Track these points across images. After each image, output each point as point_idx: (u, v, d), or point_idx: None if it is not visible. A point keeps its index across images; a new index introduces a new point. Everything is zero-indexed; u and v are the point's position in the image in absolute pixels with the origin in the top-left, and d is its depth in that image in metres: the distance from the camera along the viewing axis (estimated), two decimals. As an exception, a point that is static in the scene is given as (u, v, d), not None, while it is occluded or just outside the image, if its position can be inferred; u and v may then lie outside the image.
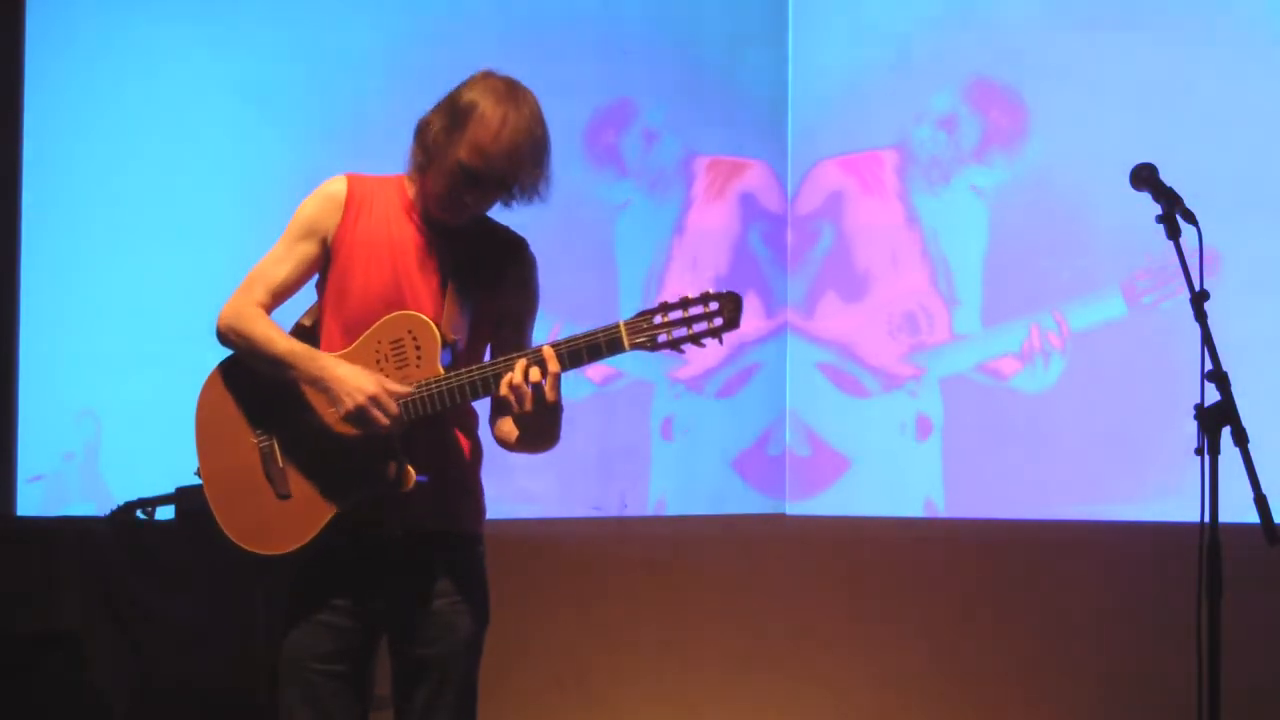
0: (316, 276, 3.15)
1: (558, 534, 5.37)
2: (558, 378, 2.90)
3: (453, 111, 2.99)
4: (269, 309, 3.08)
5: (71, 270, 5.48)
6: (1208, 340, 3.17)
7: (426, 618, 3.08)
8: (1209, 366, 3.17)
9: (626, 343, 2.86)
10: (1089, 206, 5.13)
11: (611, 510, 5.37)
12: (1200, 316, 3.20)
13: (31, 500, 5.46)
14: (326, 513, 2.99)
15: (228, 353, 3.13)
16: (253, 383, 3.07)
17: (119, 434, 5.38)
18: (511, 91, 3.00)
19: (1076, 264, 5.17)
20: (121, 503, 4.90)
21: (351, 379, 2.95)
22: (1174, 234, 3.30)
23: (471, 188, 2.99)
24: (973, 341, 5.26)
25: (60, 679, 4.77)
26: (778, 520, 5.36)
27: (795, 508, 5.37)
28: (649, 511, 5.43)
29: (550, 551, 5.35)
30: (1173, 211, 3.30)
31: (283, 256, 3.09)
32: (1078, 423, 5.13)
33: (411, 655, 3.10)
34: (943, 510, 5.24)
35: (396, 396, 2.94)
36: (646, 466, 5.45)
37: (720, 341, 2.87)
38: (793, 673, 5.25)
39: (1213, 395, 3.15)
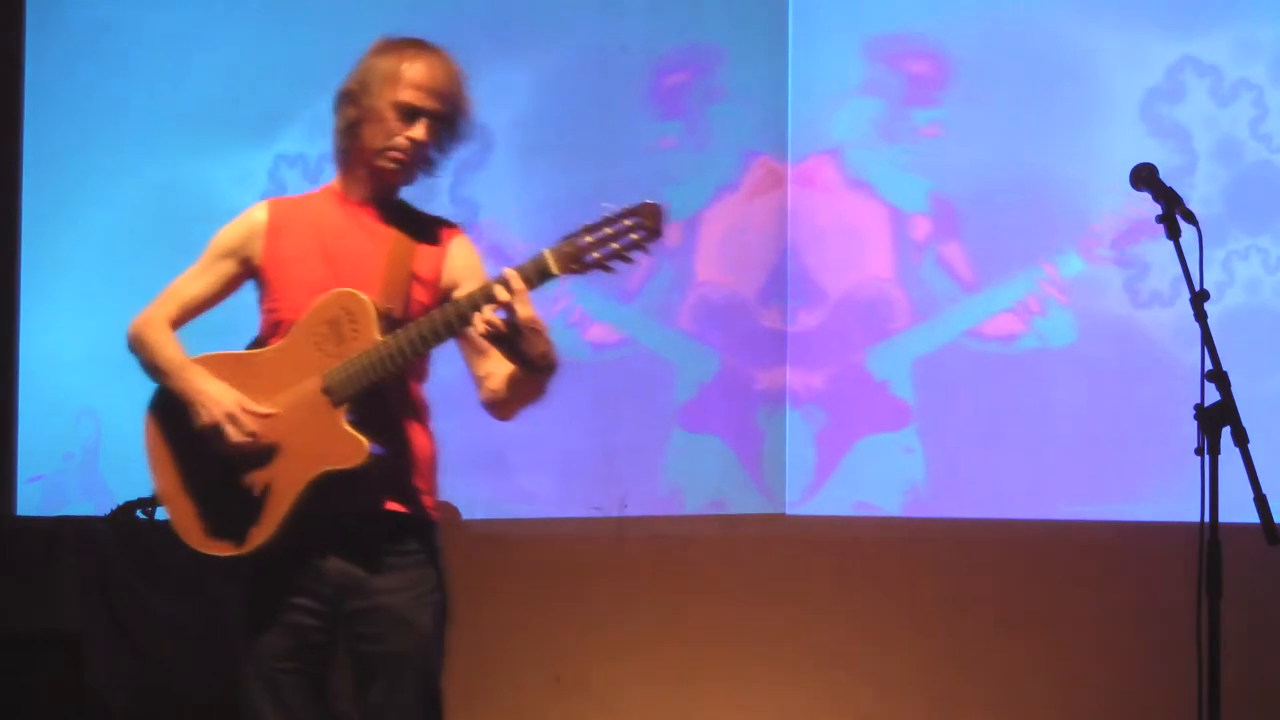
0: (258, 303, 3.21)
1: (558, 534, 5.37)
2: (524, 294, 2.90)
3: (372, 70, 3.11)
4: (177, 323, 3.18)
5: (71, 270, 5.48)
6: (1208, 340, 3.17)
7: (381, 613, 3.07)
8: (1209, 366, 3.17)
9: (555, 268, 2.88)
10: (1035, 173, 5.13)
11: (611, 510, 5.37)
12: (1200, 316, 3.20)
13: (31, 500, 5.46)
14: (286, 501, 3.00)
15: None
16: None
17: (119, 434, 5.38)
18: (419, 39, 3.15)
19: (1041, 219, 5.16)
20: (121, 503, 4.90)
21: (213, 394, 3.04)
22: (1174, 234, 3.30)
23: (411, 123, 3.07)
24: (954, 313, 5.25)
25: (60, 679, 4.77)
26: (778, 520, 5.36)
27: (795, 507, 5.37)
28: (658, 496, 5.41)
29: (550, 551, 5.35)
30: (1173, 211, 3.31)
31: (199, 274, 3.20)
32: (1077, 422, 5.13)
33: (367, 651, 3.09)
34: (926, 497, 5.24)
35: (257, 416, 3.01)
36: (659, 458, 5.42)
37: (647, 252, 2.88)
38: (792, 673, 5.25)
39: (1213, 395, 3.15)
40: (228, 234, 3.20)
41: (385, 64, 3.10)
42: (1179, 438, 3.33)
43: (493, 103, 5.36)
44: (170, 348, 3.14)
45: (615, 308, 5.34)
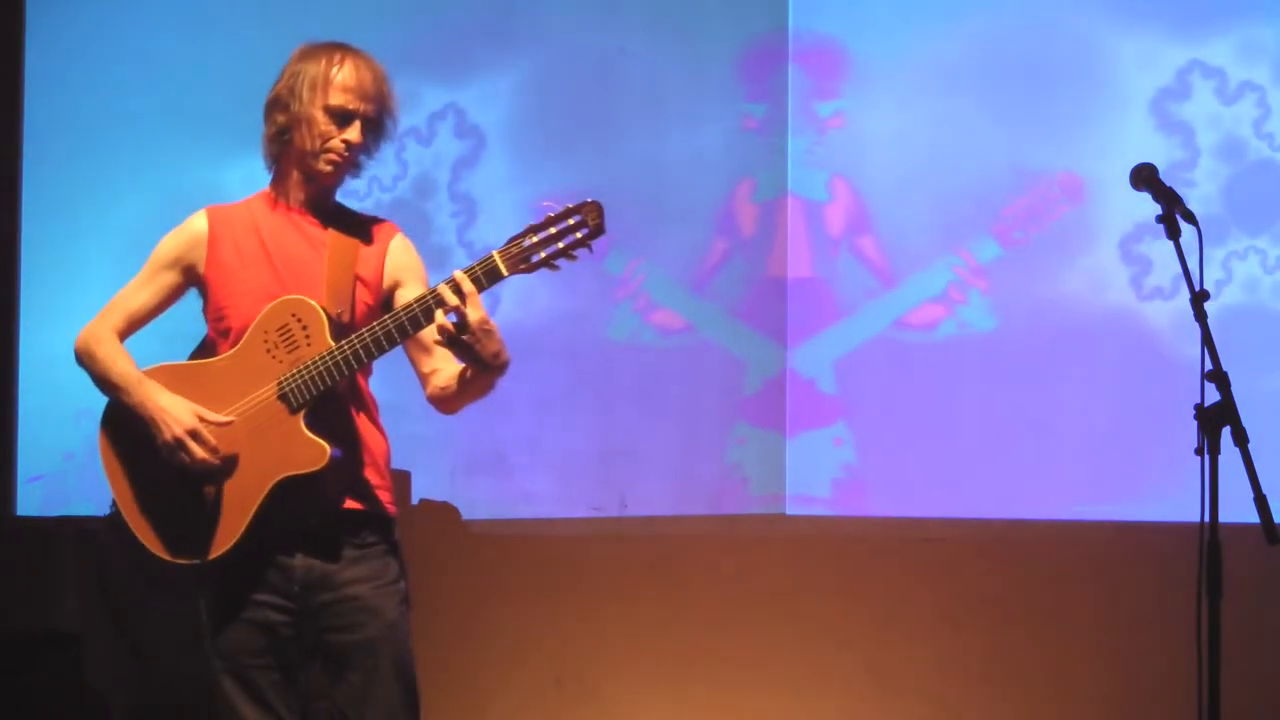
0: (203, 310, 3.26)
1: (558, 534, 5.37)
2: (475, 296, 2.95)
3: (300, 76, 3.17)
4: (124, 335, 3.25)
5: (71, 270, 5.48)
6: (1208, 340, 3.17)
7: (350, 603, 3.12)
8: (1209, 366, 3.17)
9: (504, 269, 2.94)
10: (945, 157, 5.16)
11: (611, 510, 5.37)
12: (1200, 316, 3.20)
13: (31, 500, 5.46)
14: (250, 506, 3.05)
15: None
16: None
17: (119, 434, 5.38)
18: (342, 43, 3.21)
19: (950, 209, 5.18)
20: (122, 503, 4.89)
21: (172, 410, 3.10)
22: (1174, 234, 3.30)
23: (344, 125, 3.14)
24: (877, 307, 5.26)
25: (60, 679, 4.77)
26: (778, 520, 5.36)
27: (794, 508, 5.37)
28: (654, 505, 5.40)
29: (550, 551, 5.35)
30: (1173, 211, 3.31)
31: (143, 285, 3.27)
32: (1077, 422, 5.13)
33: (339, 642, 3.13)
34: (869, 492, 5.24)
35: (216, 427, 3.07)
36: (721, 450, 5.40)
37: (590, 250, 2.95)
38: (792, 672, 5.24)
39: (1213, 395, 3.15)
40: (169, 244, 3.27)
41: (313, 69, 3.16)
42: (1179, 438, 3.33)
43: (489, 100, 5.41)
44: (123, 362, 3.19)
45: (683, 295, 5.32)
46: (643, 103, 5.38)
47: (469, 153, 5.41)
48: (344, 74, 3.14)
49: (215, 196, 5.40)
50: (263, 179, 5.38)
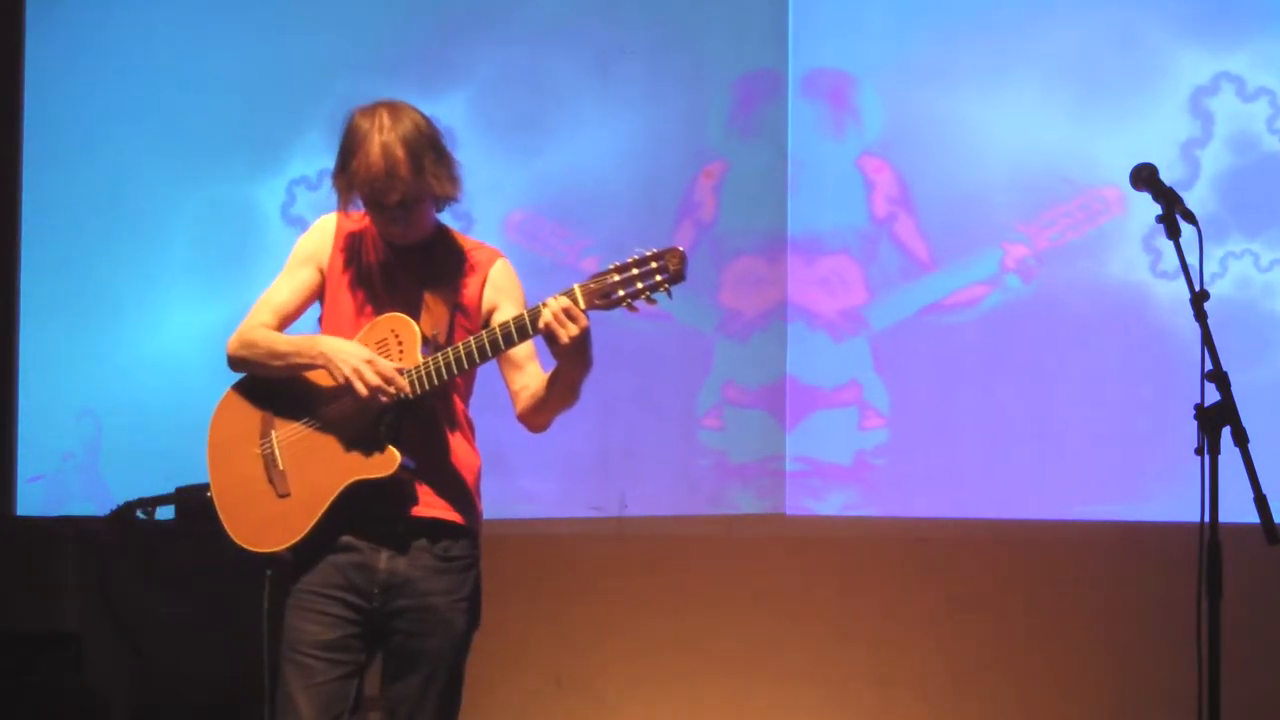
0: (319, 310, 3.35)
1: (558, 534, 5.37)
2: (569, 311, 3.03)
3: (339, 154, 3.20)
4: (273, 330, 3.29)
5: (71, 270, 5.49)
6: (1208, 340, 3.18)
7: (426, 613, 3.21)
8: (1209, 366, 3.17)
9: (583, 303, 3.03)
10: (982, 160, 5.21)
11: (611, 510, 5.37)
12: (1200, 316, 3.20)
13: (31, 500, 5.47)
14: (322, 504, 3.15)
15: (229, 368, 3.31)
16: (254, 397, 3.28)
17: (119, 434, 5.39)
18: (372, 115, 3.17)
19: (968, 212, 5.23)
20: (121, 503, 4.90)
21: (345, 348, 3.15)
22: (1174, 234, 3.30)
23: (378, 211, 3.19)
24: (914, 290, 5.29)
25: (60, 679, 4.77)
26: (778, 520, 5.36)
27: (795, 508, 5.37)
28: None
29: (550, 551, 5.35)
30: (1173, 211, 3.31)
31: (285, 282, 3.32)
32: (1077, 421, 5.13)
33: (405, 646, 3.22)
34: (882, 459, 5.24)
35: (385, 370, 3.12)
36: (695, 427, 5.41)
37: (669, 295, 3.01)
38: (792, 673, 5.25)
39: (1213, 395, 3.16)
40: (305, 241, 3.34)
41: (343, 153, 3.17)
42: (1179, 438, 3.33)
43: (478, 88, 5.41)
44: (284, 337, 3.24)
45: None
46: (635, 94, 5.39)
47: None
48: (365, 168, 3.12)
49: (214, 198, 5.46)
50: (259, 184, 5.43)
